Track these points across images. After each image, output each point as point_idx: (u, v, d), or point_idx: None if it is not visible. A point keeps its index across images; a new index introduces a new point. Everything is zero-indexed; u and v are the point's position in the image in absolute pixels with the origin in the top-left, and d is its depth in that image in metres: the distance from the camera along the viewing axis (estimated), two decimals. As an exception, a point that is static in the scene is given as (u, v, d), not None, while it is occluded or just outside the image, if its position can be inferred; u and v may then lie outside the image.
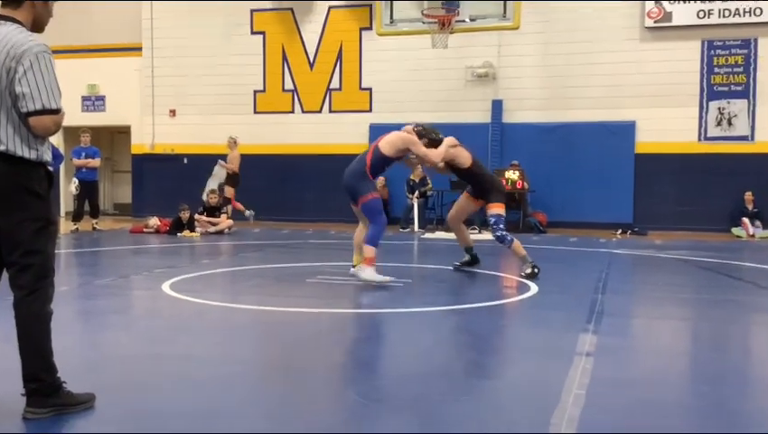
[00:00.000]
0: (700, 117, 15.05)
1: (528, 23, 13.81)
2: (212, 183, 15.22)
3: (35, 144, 3.19)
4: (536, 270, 7.82)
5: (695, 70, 14.99)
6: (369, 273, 7.23)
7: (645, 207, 15.12)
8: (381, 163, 7.52)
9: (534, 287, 7.21)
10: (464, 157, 8.07)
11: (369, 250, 7.26)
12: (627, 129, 15.26)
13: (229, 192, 15.11)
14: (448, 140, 7.98)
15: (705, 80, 14.98)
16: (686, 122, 15.04)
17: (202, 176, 16.23)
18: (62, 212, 17.02)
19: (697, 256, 10.45)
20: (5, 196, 3.14)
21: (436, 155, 7.78)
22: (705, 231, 14.53)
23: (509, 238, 7.93)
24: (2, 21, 3.18)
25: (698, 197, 14.95)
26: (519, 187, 14.70)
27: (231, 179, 15.20)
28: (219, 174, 15.41)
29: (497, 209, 8.01)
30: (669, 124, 15.02)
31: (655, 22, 15.04)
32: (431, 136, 7.91)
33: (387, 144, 7.54)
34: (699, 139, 15.08)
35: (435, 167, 8.16)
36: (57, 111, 3.17)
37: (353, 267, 7.59)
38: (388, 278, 7.28)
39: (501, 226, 7.97)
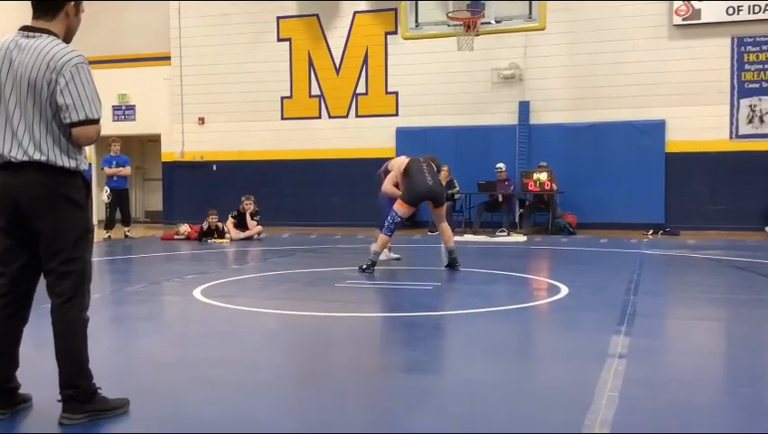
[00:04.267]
0: (731, 115, 14.83)
1: (553, 24, 13.73)
2: None
3: (74, 153, 3.26)
4: (368, 268, 8.30)
5: (725, 68, 14.78)
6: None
7: (677, 207, 14.93)
8: None
9: (565, 289, 7.16)
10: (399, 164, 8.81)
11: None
12: (657, 128, 15.09)
13: None
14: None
15: (735, 78, 14.77)
16: (717, 120, 14.83)
17: (232, 183, 16.38)
18: (95, 221, 17.25)
19: (730, 255, 10.29)
20: (47, 205, 3.21)
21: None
22: (738, 230, 14.30)
23: (385, 230, 8.50)
24: (38, 33, 3.25)
25: (731, 196, 14.73)
26: (547, 189, 14.60)
27: None
28: None
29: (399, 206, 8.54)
30: (700, 122, 14.82)
31: (684, 19, 14.87)
32: None
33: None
34: (731, 137, 14.86)
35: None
36: (99, 120, 3.24)
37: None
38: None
39: (390, 220, 8.49)
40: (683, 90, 14.83)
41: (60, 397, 3.26)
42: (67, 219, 3.23)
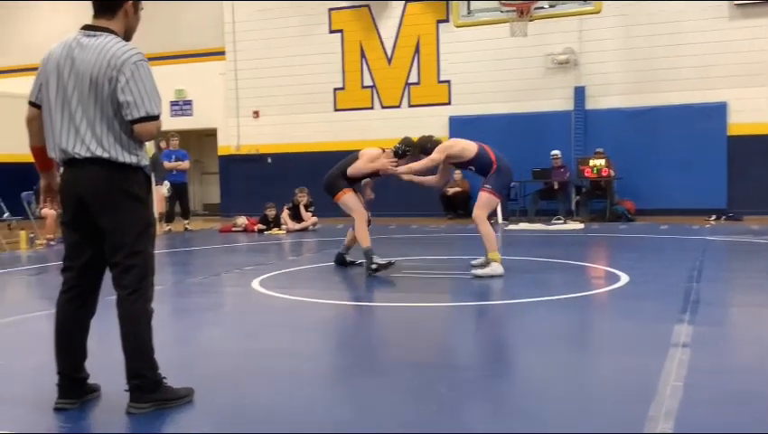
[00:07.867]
0: (796, 95, 14.32)
1: (609, 6, 13.46)
2: None
3: (135, 149, 3.33)
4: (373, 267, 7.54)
5: (789, 46, 14.28)
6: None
7: (740, 191, 14.50)
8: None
9: (625, 277, 7.03)
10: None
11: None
12: (718, 111, 14.66)
13: None
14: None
15: (801, 56, 14.24)
16: (781, 101, 14.34)
17: (286, 175, 16.52)
18: (156, 214, 17.62)
19: (797, 241, 9.97)
20: (110, 200, 3.29)
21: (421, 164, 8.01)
22: (805, 214, 13.84)
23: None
24: (98, 32, 3.32)
25: (797, 179, 14.25)
26: (604, 175, 14.35)
27: None
28: None
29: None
30: (763, 103, 14.36)
31: (745, -3, 14.39)
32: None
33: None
34: (797, 118, 14.36)
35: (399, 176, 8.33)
36: (159, 116, 3.31)
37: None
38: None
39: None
40: (745, 71, 14.36)
41: (126, 387, 3.35)
42: (130, 213, 3.31)
